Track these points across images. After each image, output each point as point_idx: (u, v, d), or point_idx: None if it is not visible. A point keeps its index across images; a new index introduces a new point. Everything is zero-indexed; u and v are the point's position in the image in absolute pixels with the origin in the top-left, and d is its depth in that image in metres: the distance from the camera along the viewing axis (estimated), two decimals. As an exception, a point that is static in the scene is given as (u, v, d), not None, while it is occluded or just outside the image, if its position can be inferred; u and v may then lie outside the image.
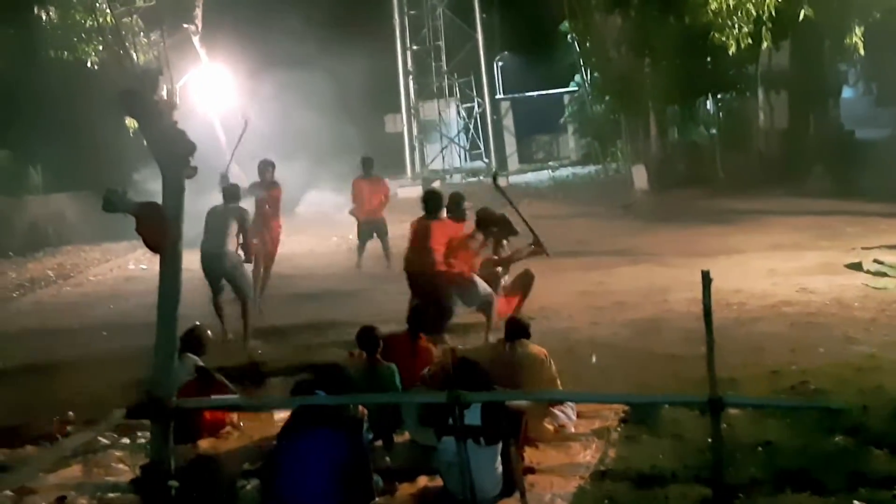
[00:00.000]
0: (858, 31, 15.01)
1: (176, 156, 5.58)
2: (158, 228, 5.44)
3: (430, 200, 10.34)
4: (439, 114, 32.16)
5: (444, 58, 32.18)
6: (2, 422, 8.62)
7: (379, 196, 15.73)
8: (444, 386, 5.90)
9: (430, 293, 9.67)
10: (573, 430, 7.11)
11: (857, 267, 12.43)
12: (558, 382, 7.22)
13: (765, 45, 15.53)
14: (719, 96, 25.57)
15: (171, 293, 5.57)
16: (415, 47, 31.66)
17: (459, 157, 34.28)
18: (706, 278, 5.02)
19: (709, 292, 5.03)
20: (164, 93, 5.12)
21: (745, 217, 17.89)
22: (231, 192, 11.34)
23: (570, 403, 7.18)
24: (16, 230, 21.81)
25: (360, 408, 6.33)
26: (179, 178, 5.58)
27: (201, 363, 7.75)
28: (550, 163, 33.36)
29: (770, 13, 14.51)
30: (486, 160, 32.44)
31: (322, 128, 24.91)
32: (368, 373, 7.09)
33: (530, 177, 30.56)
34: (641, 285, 12.42)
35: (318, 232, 20.49)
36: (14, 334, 12.96)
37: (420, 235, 10.07)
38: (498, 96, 35.48)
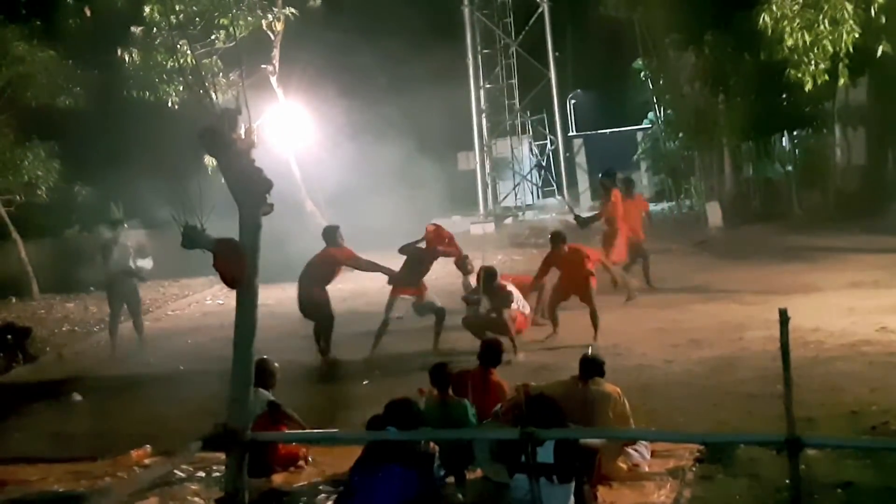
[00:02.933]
0: (937, 65, 14.78)
1: (253, 193, 5.70)
2: (236, 264, 5.54)
3: None
4: (512, 151, 32.22)
5: (516, 95, 32.27)
6: (81, 452, 8.84)
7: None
8: (517, 422, 5.88)
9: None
10: (647, 468, 7.03)
11: (939, 306, 12.12)
12: (631, 421, 7.15)
13: (842, 81, 15.31)
14: (795, 133, 25.23)
15: (247, 327, 5.66)
16: (488, 85, 31.82)
17: (532, 194, 34.26)
18: (784, 316, 4.94)
19: (786, 330, 4.95)
20: (243, 131, 5.23)
21: (821, 254, 17.53)
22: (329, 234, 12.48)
23: (643, 442, 7.10)
24: (97, 265, 22.32)
25: (432, 444, 6.33)
26: (256, 214, 5.68)
27: (272, 397, 7.83)
28: (624, 199, 33.14)
29: (847, 49, 14.31)
30: (559, 197, 32.35)
31: (396, 165, 25.18)
32: (441, 409, 7.11)
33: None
34: (716, 323, 12.26)
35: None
36: (94, 367, 13.28)
37: None
38: (571, 134, 35.45)
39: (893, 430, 7.43)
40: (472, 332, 11.44)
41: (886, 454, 6.68)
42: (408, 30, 25.94)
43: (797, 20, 14.05)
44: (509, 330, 11.23)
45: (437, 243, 12.48)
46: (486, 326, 11.25)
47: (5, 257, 22.27)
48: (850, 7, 13.77)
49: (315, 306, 12.35)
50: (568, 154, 33.94)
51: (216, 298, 18.93)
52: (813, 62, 14.39)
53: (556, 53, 31.60)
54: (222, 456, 6.08)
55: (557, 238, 12.60)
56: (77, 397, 11.29)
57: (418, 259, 12.42)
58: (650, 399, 8.62)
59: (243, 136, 5.96)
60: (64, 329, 17.10)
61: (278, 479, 7.57)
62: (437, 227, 12.81)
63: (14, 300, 21.10)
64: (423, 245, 12.55)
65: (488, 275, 11.84)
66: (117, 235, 14.51)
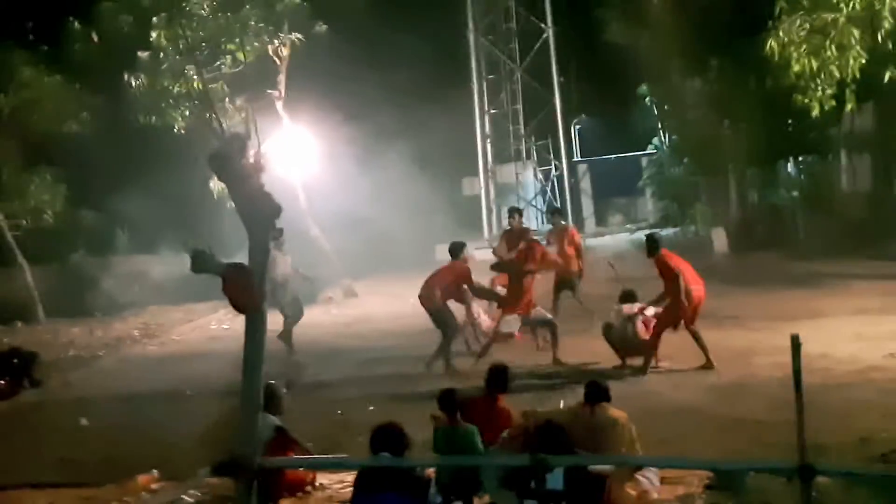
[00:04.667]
0: (945, 92, 14.81)
1: (262, 217, 5.68)
2: (245, 289, 5.52)
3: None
4: (517, 176, 32.29)
5: (521, 121, 32.39)
6: (88, 477, 8.80)
7: None
8: (525, 448, 5.85)
9: None
10: (656, 495, 6.98)
11: (947, 334, 12.08)
12: (638, 447, 7.11)
13: (849, 107, 15.34)
14: (801, 158, 25.26)
15: (256, 352, 5.63)
16: (493, 111, 31.95)
17: (537, 219, 34.30)
18: (795, 341, 4.91)
19: (798, 356, 4.92)
20: (252, 156, 5.24)
21: (828, 281, 17.49)
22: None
23: (653, 468, 7.06)
24: (102, 290, 22.38)
25: (427, 470, 6.30)
26: (265, 239, 5.67)
27: (279, 423, 7.80)
28: (628, 225, 33.16)
29: (854, 75, 14.34)
30: (564, 223, 32.35)
31: (401, 190, 25.23)
32: (449, 435, 7.07)
33: (608, 239, 30.41)
34: (723, 349, 12.19)
35: (396, 293, 20.44)
36: (99, 392, 13.25)
37: None
38: (575, 159, 35.54)
39: (903, 459, 7.39)
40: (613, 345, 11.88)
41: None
42: (413, 55, 26.06)
43: (804, 46, 14.09)
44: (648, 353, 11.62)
45: (530, 261, 12.66)
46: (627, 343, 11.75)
47: (11, 282, 22.32)
48: (856, 33, 13.81)
49: (438, 314, 12.69)
50: (573, 179, 34.02)
51: (221, 323, 18.92)
52: (820, 88, 14.43)
53: (561, 79, 31.74)
54: (229, 482, 6.06)
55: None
56: (84, 422, 11.25)
57: (517, 277, 12.55)
58: (658, 426, 8.57)
59: (252, 161, 5.97)
60: (70, 354, 17.07)
61: (286, 504, 7.54)
62: (529, 245, 13.01)
63: (20, 325, 21.11)
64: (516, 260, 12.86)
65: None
66: (280, 247, 14.36)
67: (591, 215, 35.11)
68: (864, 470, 6.73)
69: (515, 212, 15.76)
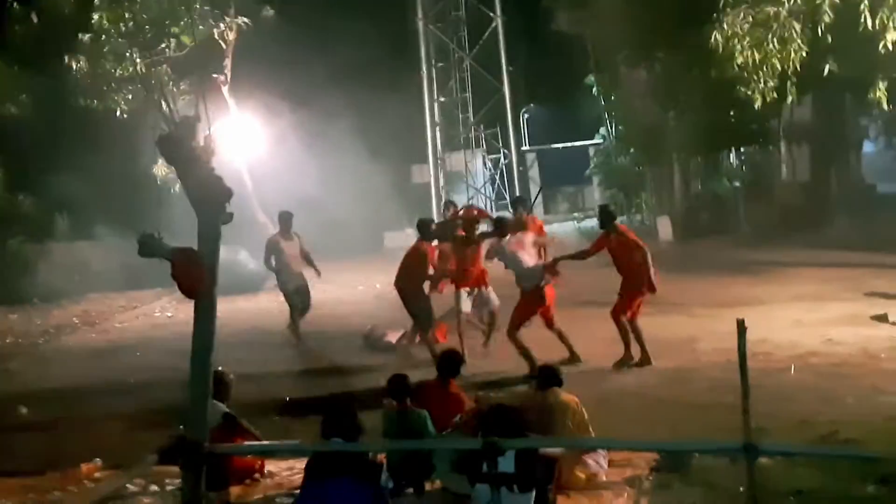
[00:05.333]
0: (882, 85, 15.06)
1: (212, 202, 5.65)
2: (194, 273, 5.49)
3: None
4: (466, 165, 32.33)
5: (470, 109, 32.42)
6: (29, 466, 8.67)
7: None
8: (477, 432, 5.89)
9: None
10: (604, 478, 7.08)
11: (882, 318, 12.37)
12: (590, 430, 7.20)
13: (790, 99, 15.60)
14: (743, 149, 25.64)
15: (205, 338, 5.61)
16: (442, 99, 31.92)
17: (485, 207, 34.37)
18: (741, 326, 5.03)
19: (744, 340, 5.04)
20: (202, 139, 5.17)
21: (768, 268, 17.83)
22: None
23: (601, 451, 7.15)
24: (41, 277, 21.96)
25: (378, 455, 6.31)
26: (215, 223, 5.64)
27: (227, 409, 7.75)
28: (576, 214, 33.36)
29: (795, 68, 14.57)
30: (512, 211, 32.50)
31: (349, 177, 25.14)
32: (400, 419, 7.09)
33: (555, 227, 30.46)
34: (668, 335, 12.38)
35: (344, 281, 20.39)
36: (39, 381, 13.03)
37: None
38: (524, 148, 35.65)
39: (842, 440, 7.57)
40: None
41: (837, 462, 6.80)
42: (362, 42, 25.92)
43: (747, 38, 14.27)
44: None
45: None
46: None
47: (-53, 268, 21.83)
48: (798, 26, 14.02)
49: (411, 297, 12.22)
50: (521, 168, 34.15)
51: (165, 311, 18.71)
52: (762, 80, 14.63)
53: (510, 68, 31.81)
54: (176, 469, 6.03)
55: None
56: (23, 410, 11.07)
57: (458, 246, 12.33)
58: (606, 410, 8.68)
59: (202, 145, 5.92)
60: (8, 341, 16.76)
61: (235, 491, 7.48)
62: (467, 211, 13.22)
63: (-44, 311, 20.67)
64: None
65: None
66: (286, 232, 14.04)
67: (539, 204, 35.25)
68: (807, 449, 6.89)
69: (451, 204, 15.80)
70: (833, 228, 21.16)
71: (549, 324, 11.46)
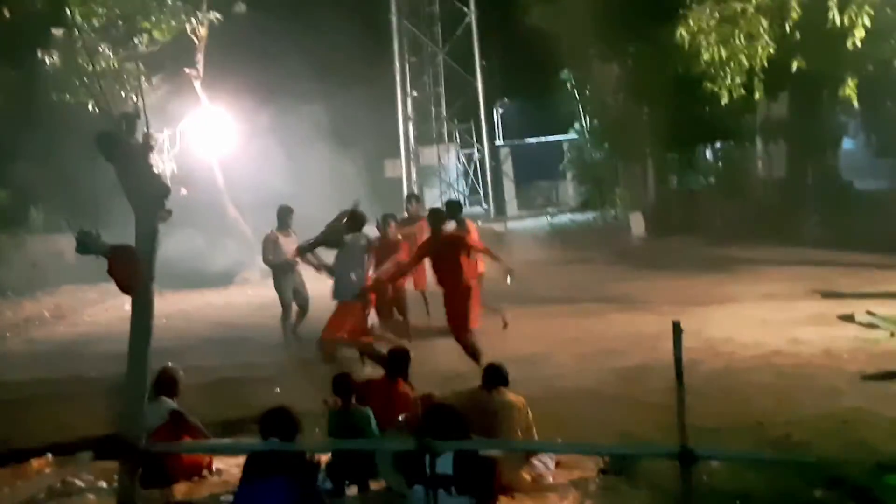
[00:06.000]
0: (851, 82, 15.05)
1: (150, 198, 5.60)
2: (130, 270, 5.44)
3: None
4: (439, 159, 32.32)
5: (444, 104, 32.40)
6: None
7: None
8: (418, 432, 5.84)
9: None
10: (551, 480, 7.03)
11: (849, 318, 12.34)
12: (534, 431, 7.15)
13: (757, 95, 15.58)
14: (718, 145, 25.66)
15: (142, 334, 5.57)
16: (415, 93, 31.88)
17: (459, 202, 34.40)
18: (677, 329, 5.00)
19: (679, 342, 5.00)
20: (141, 136, 5.10)
21: (740, 266, 17.81)
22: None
23: (548, 453, 7.11)
24: (15, 269, 21.82)
25: (317, 455, 6.25)
26: (153, 220, 5.59)
27: (175, 406, 7.68)
28: (549, 209, 33.42)
29: (762, 64, 14.56)
30: (486, 206, 32.52)
31: (322, 172, 25.04)
32: (342, 418, 7.04)
33: (529, 223, 30.63)
34: (631, 332, 12.35)
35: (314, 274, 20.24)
36: (4, 374, 12.91)
37: None
38: (498, 142, 35.65)
39: (795, 442, 7.54)
40: None
41: (784, 465, 6.79)
42: (335, 37, 25.86)
43: (713, 34, 14.26)
44: None
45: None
46: None
47: (-81, 260, 21.65)
48: (765, 23, 14.01)
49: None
50: (495, 163, 34.15)
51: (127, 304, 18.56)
52: (728, 76, 14.62)
53: (484, 62, 31.78)
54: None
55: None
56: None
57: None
58: (559, 408, 8.63)
59: (141, 142, 5.87)
60: (-24, 334, 16.64)
61: (180, 489, 7.41)
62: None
63: (-73, 304, 20.52)
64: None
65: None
66: (285, 229, 13.38)
67: (513, 198, 35.28)
68: (743, 454, 6.87)
69: (413, 198, 15.70)
70: (808, 226, 21.15)
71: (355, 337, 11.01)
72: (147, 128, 6.00)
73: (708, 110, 21.79)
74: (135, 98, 21.56)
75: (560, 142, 33.74)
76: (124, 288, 5.51)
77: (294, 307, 13.36)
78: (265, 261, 13.49)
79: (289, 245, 13.22)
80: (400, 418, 7.10)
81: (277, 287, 13.35)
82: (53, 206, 24.01)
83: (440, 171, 32.48)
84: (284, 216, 13.47)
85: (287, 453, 5.64)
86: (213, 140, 23.01)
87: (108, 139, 5.76)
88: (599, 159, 28.57)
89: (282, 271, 13.27)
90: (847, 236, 19.36)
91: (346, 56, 26.38)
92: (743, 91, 15.04)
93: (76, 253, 5.48)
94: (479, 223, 29.55)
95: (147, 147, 5.79)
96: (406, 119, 31.37)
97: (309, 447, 5.76)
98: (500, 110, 36.39)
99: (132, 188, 5.61)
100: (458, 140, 34.04)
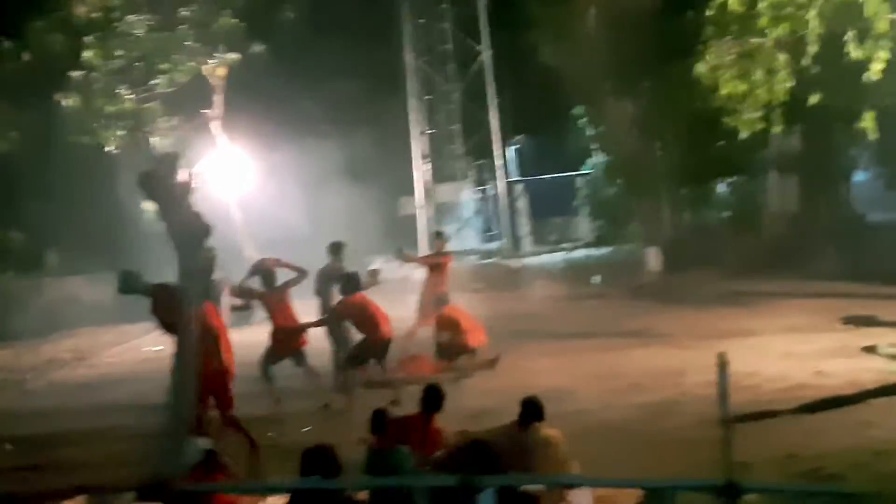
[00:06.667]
0: (869, 116, 15.10)
1: (192, 238, 5.66)
2: (173, 309, 5.50)
3: None
4: (454, 196, 32.42)
5: (458, 141, 32.55)
6: (13, 503, 8.61)
7: None
8: (456, 469, 5.84)
9: None
10: (588, 514, 7.01)
11: (872, 350, 12.34)
12: (571, 465, 7.15)
13: (776, 130, 15.62)
14: (731, 179, 25.71)
15: (185, 374, 5.60)
16: (430, 131, 32.05)
17: (474, 239, 34.40)
18: (722, 359, 5.00)
19: (724, 374, 5.01)
20: (183, 176, 5.18)
21: (758, 299, 17.76)
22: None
23: (585, 488, 7.08)
24: (31, 312, 21.93)
25: (360, 493, 6.26)
26: (195, 260, 5.65)
27: (209, 445, 7.70)
28: (564, 244, 33.43)
29: (781, 98, 14.61)
30: (501, 242, 32.57)
31: (338, 210, 25.14)
32: (378, 456, 7.04)
33: (545, 258, 30.63)
34: (655, 368, 12.35)
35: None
36: (28, 416, 12.98)
37: None
38: (512, 179, 35.73)
39: (827, 475, 7.53)
40: None
41: (821, 498, 6.74)
42: (350, 75, 26.11)
43: (732, 69, 14.34)
44: None
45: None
46: None
47: (-64, 304, 21.78)
48: (783, 57, 14.09)
49: None
50: (510, 199, 34.23)
51: (154, 345, 18.64)
52: (747, 111, 14.67)
53: (498, 100, 31.92)
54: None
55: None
56: (8, 447, 11.01)
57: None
58: (588, 445, 8.60)
59: (182, 181, 5.94)
60: (-4, 377, 16.70)
61: (215, 529, 7.42)
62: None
63: (-54, 346, 20.61)
64: None
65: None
66: (340, 261, 13.23)
67: (528, 235, 35.31)
68: (788, 486, 6.84)
69: (439, 235, 15.92)
70: (822, 259, 21.11)
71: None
72: (189, 167, 6.08)
73: (723, 145, 21.88)
74: (152, 139, 21.81)
75: (574, 177, 33.83)
76: (167, 327, 5.55)
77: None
78: (318, 295, 13.40)
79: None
80: (435, 454, 7.11)
81: (330, 324, 12.83)
82: (69, 249, 24.17)
83: (455, 209, 32.58)
84: (337, 251, 13.43)
85: (328, 491, 5.65)
86: (230, 179, 23.18)
87: (150, 179, 5.84)
88: (614, 195, 28.63)
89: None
90: (861, 268, 19.33)
91: (361, 95, 26.61)
92: (762, 125, 15.07)
93: (118, 293, 5.53)
94: (495, 260, 29.75)
95: (188, 187, 5.86)
96: (421, 157, 31.53)
97: (348, 485, 5.74)
98: (515, 147, 36.52)
99: (174, 227, 5.67)
100: (473, 177, 34.16)
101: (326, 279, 13.14)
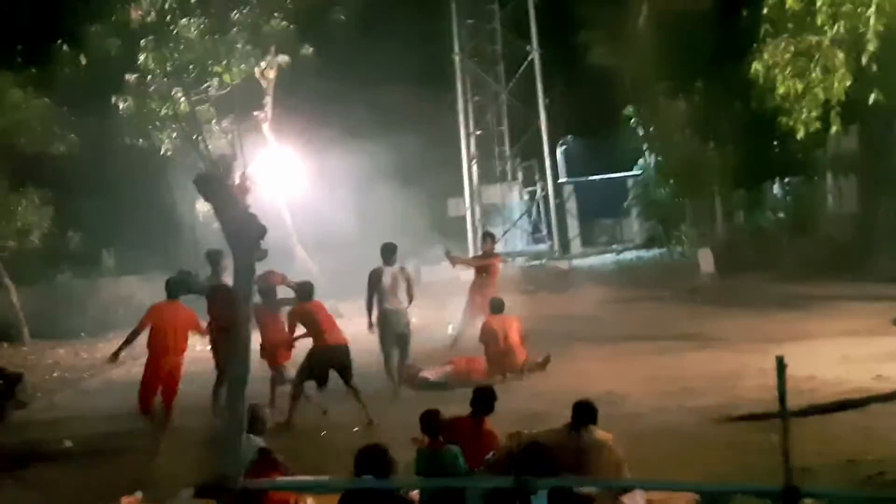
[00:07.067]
0: (930, 114, 14.83)
1: (247, 238, 5.67)
2: (228, 309, 5.52)
3: None
4: (502, 197, 32.34)
5: (507, 142, 32.48)
6: (71, 499, 8.74)
7: None
8: (510, 470, 5.81)
9: None
10: (642, 518, 6.94)
11: (932, 353, 12.10)
12: (625, 469, 7.08)
13: (834, 129, 15.33)
14: (787, 180, 25.37)
15: (240, 373, 5.61)
16: (478, 132, 32.02)
17: (522, 240, 34.30)
18: (780, 363, 4.90)
19: (783, 377, 4.91)
20: (238, 177, 5.23)
21: (814, 302, 17.47)
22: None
23: (639, 491, 7.02)
24: (88, 311, 22.27)
25: (410, 493, 6.26)
26: (250, 260, 5.66)
27: (263, 444, 7.75)
28: (614, 246, 33.23)
29: (839, 97, 14.35)
30: (549, 244, 32.46)
31: (386, 211, 25.22)
32: (431, 456, 7.04)
33: (594, 260, 30.45)
34: (709, 371, 12.20)
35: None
36: (84, 414, 13.16)
37: None
38: (561, 180, 35.58)
39: (890, 480, 7.38)
40: None
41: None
42: (399, 77, 26.17)
43: (788, 68, 14.11)
44: None
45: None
46: None
47: (-3, 303, 22.20)
48: (841, 56, 13.84)
49: None
50: (558, 200, 34.08)
51: (206, 345, 18.79)
52: (804, 111, 14.42)
53: (547, 100, 31.80)
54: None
55: None
56: (68, 444, 11.18)
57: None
58: (642, 448, 8.53)
59: (238, 182, 5.98)
60: (55, 375, 16.96)
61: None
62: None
63: (5, 346, 21.00)
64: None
65: None
66: (392, 263, 12.88)
67: (577, 236, 35.15)
68: (850, 492, 6.72)
69: (488, 236, 15.84)
70: (881, 261, 20.73)
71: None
72: (245, 168, 6.12)
73: (777, 145, 21.60)
74: (203, 142, 22.06)
75: (624, 178, 33.58)
76: (223, 327, 5.57)
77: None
78: (370, 299, 12.99)
79: (393, 282, 12.83)
80: (488, 456, 7.08)
81: (382, 326, 12.84)
82: (124, 249, 24.53)
83: (503, 210, 32.50)
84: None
85: (381, 491, 5.65)
86: (280, 181, 23.36)
87: (207, 180, 5.86)
88: (665, 196, 28.38)
89: (387, 310, 12.83)
90: (920, 271, 18.95)
91: (409, 95, 26.63)
92: (819, 125, 14.81)
93: (172, 295, 5.56)
94: (544, 261, 29.63)
95: (244, 188, 5.89)
96: (469, 158, 31.51)
97: (403, 485, 5.74)
98: (564, 147, 36.35)
99: (230, 228, 5.68)
100: (522, 178, 34.05)
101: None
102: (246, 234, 5.71)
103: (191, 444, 10.15)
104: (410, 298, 12.94)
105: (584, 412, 7.29)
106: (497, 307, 13.21)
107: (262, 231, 5.76)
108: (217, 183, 5.83)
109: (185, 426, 11.29)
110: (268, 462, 7.57)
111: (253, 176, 20.21)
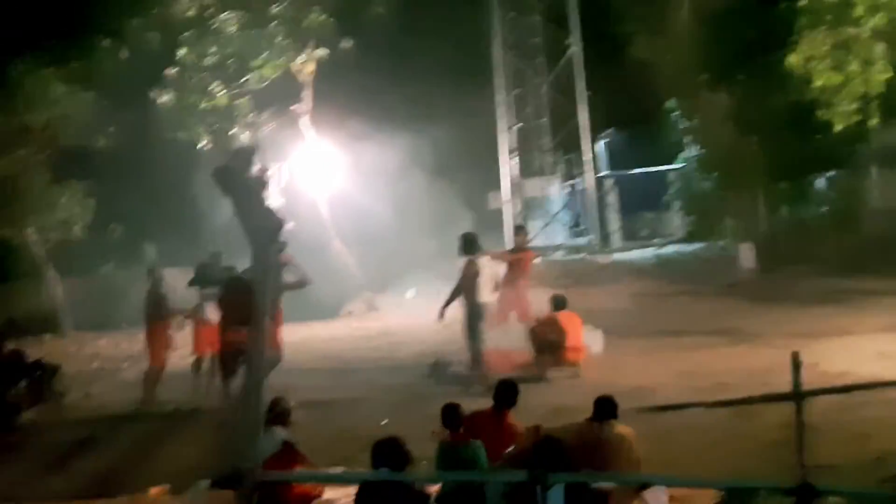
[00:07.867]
0: (972, 106, 14.53)
1: (264, 231, 5.70)
2: (244, 302, 5.55)
3: None
4: (542, 191, 32.18)
5: (547, 135, 32.31)
6: (102, 490, 8.84)
7: None
8: (526, 464, 5.78)
9: None
10: (663, 514, 6.88)
11: (973, 351, 11.87)
12: (642, 465, 7.02)
13: (873, 122, 15.06)
14: (830, 174, 25.00)
15: (257, 366, 5.65)
16: (518, 125, 31.89)
17: (562, 234, 34.10)
18: (795, 360, 4.86)
19: (798, 373, 4.86)
20: (257, 170, 5.24)
21: (855, 298, 17.22)
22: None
23: (661, 487, 6.95)
24: (130, 303, 22.49)
25: (432, 486, 6.26)
26: (267, 253, 5.69)
27: (287, 436, 7.77)
28: (655, 240, 32.93)
29: (878, 90, 14.12)
30: (590, 237, 32.24)
31: (426, 204, 25.24)
32: (451, 450, 7.02)
33: (634, 254, 30.20)
34: (743, 367, 12.07)
35: (417, 307, 20.32)
36: (119, 404, 13.32)
37: None
38: (602, 173, 35.33)
39: (917, 478, 7.26)
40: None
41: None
42: (439, 70, 26.13)
43: (827, 60, 13.91)
44: None
45: None
46: None
47: (40, 295, 22.52)
48: (880, 48, 13.61)
49: None
50: (599, 194, 33.83)
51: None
52: (843, 103, 14.21)
53: (588, 93, 31.52)
54: (230, 495, 6.05)
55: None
56: (101, 434, 11.33)
57: None
58: (670, 443, 8.48)
59: (257, 175, 6.00)
60: (93, 366, 17.20)
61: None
62: None
63: (48, 337, 21.30)
64: None
65: None
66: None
67: (618, 230, 34.92)
68: (868, 491, 6.61)
69: (520, 229, 15.73)
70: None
71: None
72: (262, 162, 6.14)
73: (821, 139, 21.26)
74: (244, 134, 22.22)
75: (665, 172, 33.25)
76: (239, 319, 5.60)
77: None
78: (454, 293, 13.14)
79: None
80: (508, 450, 7.05)
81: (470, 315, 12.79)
82: (165, 241, 24.77)
83: (544, 203, 32.33)
84: (470, 244, 13.11)
85: (397, 484, 5.65)
86: (318, 174, 23.45)
87: (224, 173, 5.90)
88: (706, 189, 28.06)
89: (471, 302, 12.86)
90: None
91: (448, 89, 26.55)
92: (858, 118, 14.58)
93: (189, 286, 5.63)
94: (583, 255, 29.44)
95: (262, 181, 5.91)
96: (509, 151, 31.38)
97: (420, 478, 5.74)
98: (605, 140, 36.09)
99: (248, 221, 5.71)
100: (562, 171, 33.85)
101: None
102: (264, 227, 5.74)
103: (223, 435, 10.23)
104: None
105: (604, 407, 7.23)
106: (560, 303, 13.07)
107: (279, 224, 5.79)
108: (235, 176, 5.87)
109: (218, 416, 11.39)
110: (291, 454, 7.60)
111: (270, 169, 20.33)
